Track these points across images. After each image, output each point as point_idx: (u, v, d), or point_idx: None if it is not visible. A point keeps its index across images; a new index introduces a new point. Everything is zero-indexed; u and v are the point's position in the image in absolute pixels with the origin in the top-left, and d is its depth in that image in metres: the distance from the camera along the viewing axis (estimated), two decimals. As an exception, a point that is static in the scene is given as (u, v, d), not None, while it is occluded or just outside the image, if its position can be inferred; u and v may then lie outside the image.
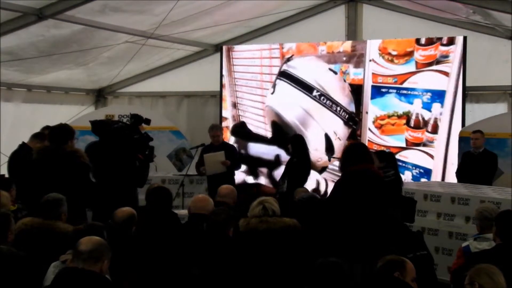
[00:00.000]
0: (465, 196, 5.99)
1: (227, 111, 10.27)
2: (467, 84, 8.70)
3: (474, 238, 4.62)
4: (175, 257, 4.29)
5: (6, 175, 7.16)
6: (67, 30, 7.98)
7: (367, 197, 5.02)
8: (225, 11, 8.83)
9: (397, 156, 8.27)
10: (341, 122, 9.06)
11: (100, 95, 11.28)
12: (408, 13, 9.32)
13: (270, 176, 9.38)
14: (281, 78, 9.50)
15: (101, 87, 11.19)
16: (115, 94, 11.36)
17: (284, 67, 9.51)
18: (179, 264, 4.19)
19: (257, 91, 9.98)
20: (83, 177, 5.49)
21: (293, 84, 9.37)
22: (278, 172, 9.17)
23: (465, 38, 8.65)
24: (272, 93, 9.56)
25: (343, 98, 9.05)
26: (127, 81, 11.18)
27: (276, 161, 9.41)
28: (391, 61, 8.66)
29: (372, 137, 8.89)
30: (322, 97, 9.05)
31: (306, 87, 9.27)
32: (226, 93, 10.23)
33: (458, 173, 8.03)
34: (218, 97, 10.38)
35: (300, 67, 9.44)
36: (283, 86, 9.52)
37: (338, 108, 9.00)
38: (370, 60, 8.82)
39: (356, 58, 9.06)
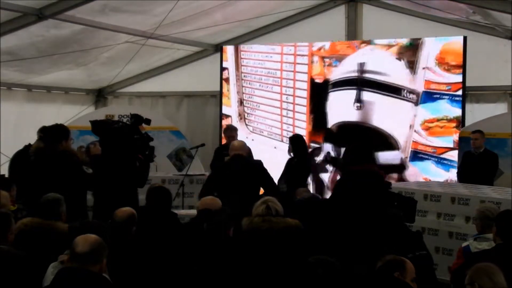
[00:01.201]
0: (465, 196, 6.00)
1: (231, 109, 10.19)
2: (467, 84, 8.70)
3: (474, 238, 4.61)
4: (175, 257, 4.29)
5: (7, 175, 7.17)
6: (67, 30, 7.98)
7: (369, 197, 5.04)
8: (225, 11, 8.84)
9: (443, 156, 8.60)
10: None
11: (100, 95, 11.28)
12: (408, 13, 9.32)
13: (401, 180, 8.96)
14: (364, 88, 9.18)
15: (101, 87, 11.19)
16: (115, 94, 11.37)
17: (363, 75, 9.22)
18: (178, 264, 4.19)
19: (274, 89, 9.87)
20: (77, 176, 5.50)
21: (379, 91, 9.12)
22: (408, 173, 8.99)
23: (465, 38, 8.65)
24: (359, 108, 9.20)
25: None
26: (127, 81, 11.17)
27: (402, 165, 9.07)
28: (448, 70, 8.72)
29: (417, 138, 8.87)
30: (409, 93, 8.98)
31: (393, 90, 9.05)
32: (230, 89, 10.12)
33: (459, 173, 8.03)
34: (218, 97, 10.37)
35: (374, 67, 9.19)
36: (369, 95, 9.19)
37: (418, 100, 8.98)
38: (424, 68, 8.80)
39: (404, 64, 8.98)
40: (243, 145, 6.44)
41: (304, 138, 8.43)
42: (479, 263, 3.33)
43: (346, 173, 5.13)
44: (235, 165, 6.18)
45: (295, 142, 7.76)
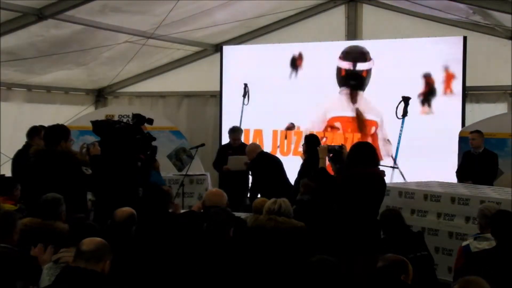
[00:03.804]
0: (465, 196, 5.99)
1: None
2: (467, 84, 8.70)
3: (474, 238, 4.60)
4: (175, 256, 4.29)
5: (7, 175, 7.18)
6: (67, 30, 7.98)
7: (373, 199, 5.05)
8: (225, 11, 8.84)
9: None
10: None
11: (100, 95, 11.28)
12: (408, 13, 9.32)
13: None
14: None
15: (101, 87, 11.19)
16: (115, 94, 11.37)
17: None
18: (178, 264, 4.19)
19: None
20: (75, 176, 5.49)
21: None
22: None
23: (465, 38, 8.65)
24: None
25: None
26: (127, 81, 11.18)
27: None
28: None
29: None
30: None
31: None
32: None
33: (458, 173, 8.02)
34: (218, 97, 10.37)
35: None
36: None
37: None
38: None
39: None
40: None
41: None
42: (466, 277, 3.23)
43: (353, 174, 5.10)
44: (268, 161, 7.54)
45: (307, 142, 7.68)
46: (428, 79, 8.90)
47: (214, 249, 4.16)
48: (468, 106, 8.93)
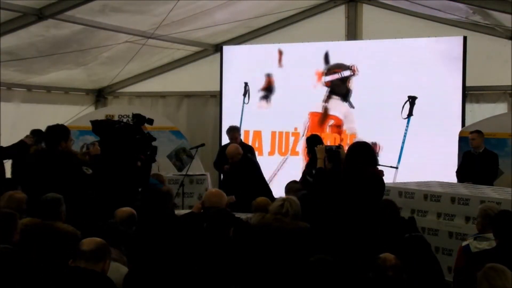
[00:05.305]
0: (465, 196, 5.99)
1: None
2: (467, 84, 8.70)
3: (474, 238, 4.60)
4: (175, 256, 4.29)
5: (7, 175, 7.18)
6: (67, 30, 7.98)
7: (374, 200, 5.05)
8: (225, 11, 8.84)
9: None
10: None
11: (100, 95, 11.29)
12: (408, 13, 9.33)
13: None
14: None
15: (101, 87, 11.20)
16: (115, 94, 11.37)
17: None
18: (179, 264, 4.19)
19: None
20: (76, 177, 5.48)
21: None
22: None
23: (465, 38, 8.65)
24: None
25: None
26: (127, 81, 11.18)
27: None
28: None
29: None
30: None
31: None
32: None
33: (458, 173, 8.02)
34: (218, 97, 10.37)
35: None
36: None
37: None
38: None
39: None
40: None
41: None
42: (488, 265, 3.25)
43: (352, 174, 5.10)
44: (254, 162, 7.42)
45: (309, 142, 7.65)
46: (269, 78, 9.84)
47: (214, 249, 4.16)
48: (468, 106, 8.94)
